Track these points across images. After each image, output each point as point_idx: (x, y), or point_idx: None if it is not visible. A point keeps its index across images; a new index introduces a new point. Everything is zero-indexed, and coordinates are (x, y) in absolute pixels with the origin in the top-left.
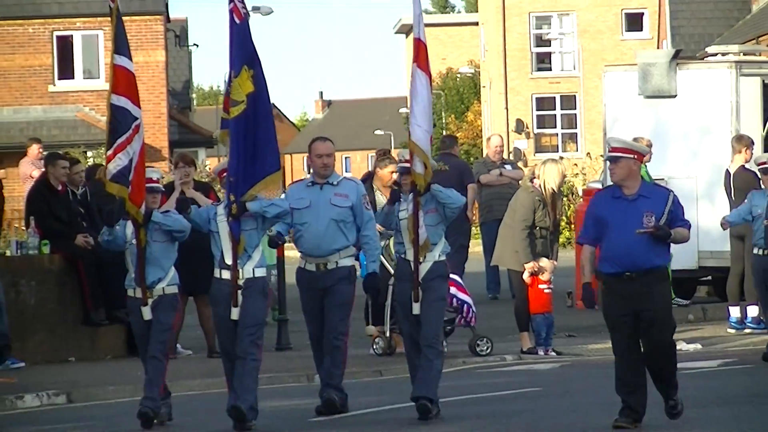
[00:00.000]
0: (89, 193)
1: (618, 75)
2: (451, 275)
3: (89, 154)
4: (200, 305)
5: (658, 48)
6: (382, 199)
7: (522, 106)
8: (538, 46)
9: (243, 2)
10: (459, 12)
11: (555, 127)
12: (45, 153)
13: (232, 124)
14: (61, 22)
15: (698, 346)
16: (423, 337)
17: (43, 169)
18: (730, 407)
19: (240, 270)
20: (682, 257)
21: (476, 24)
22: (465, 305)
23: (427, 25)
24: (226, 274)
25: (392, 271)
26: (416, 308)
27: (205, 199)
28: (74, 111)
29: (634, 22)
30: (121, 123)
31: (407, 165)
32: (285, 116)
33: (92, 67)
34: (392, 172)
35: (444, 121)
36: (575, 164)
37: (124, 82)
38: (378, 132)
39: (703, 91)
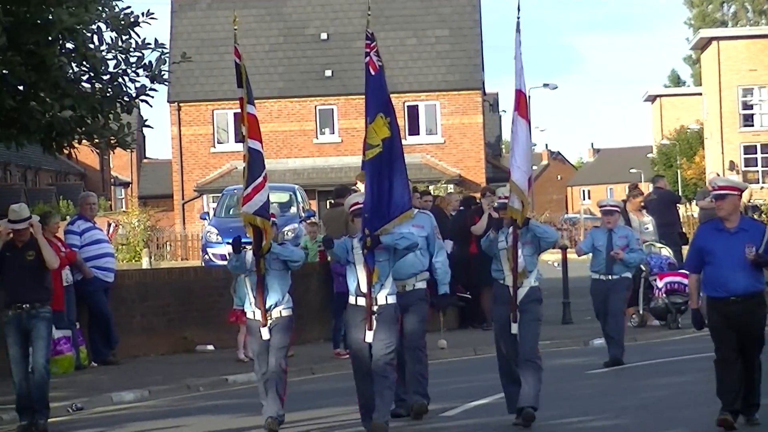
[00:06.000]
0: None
1: None
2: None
3: (430, 188)
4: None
5: None
6: (634, 218)
7: (733, 151)
8: (744, 109)
9: (378, 55)
10: (689, 86)
11: (756, 165)
12: None
13: (367, 165)
14: (410, 95)
15: None
16: (522, 353)
17: None
18: None
19: (374, 297)
20: None
21: (700, 94)
22: None
23: (666, 95)
24: (361, 301)
25: (644, 269)
26: (514, 328)
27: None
28: (420, 158)
29: None
30: (256, 162)
31: (505, 201)
32: (567, 160)
33: (432, 127)
34: (640, 201)
35: (678, 161)
36: None
37: (255, 127)
38: (632, 170)
39: None
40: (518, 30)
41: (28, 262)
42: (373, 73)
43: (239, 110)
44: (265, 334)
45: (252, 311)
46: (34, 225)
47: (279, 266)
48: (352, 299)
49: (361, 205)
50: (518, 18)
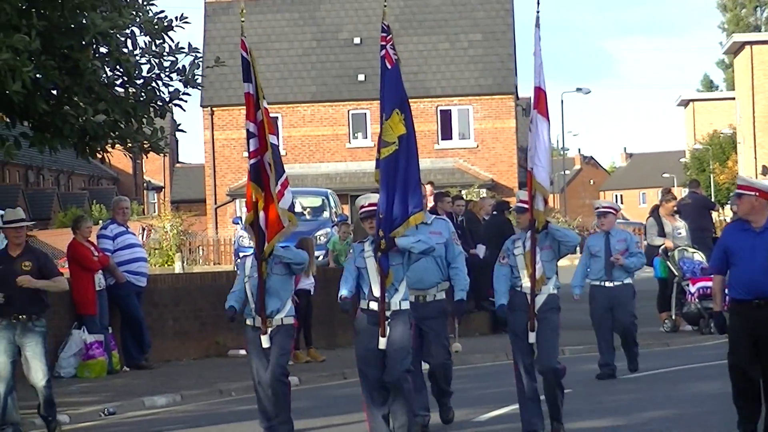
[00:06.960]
0: (465, 220)
1: None
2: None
3: (463, 192)
4: None
5: None
6: (667, 222)
7: (766, 155)
8: None
9: (394, 49)
10: (722, 90)
11: None
12: (435, 192)
13: (382, 164)
14: (443, 100)
15: None
16: (541, 363)
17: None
18: None
19: (387, 302)
20: None
21: (733, 99)
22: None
23: (698, 100)
24: (373, 306)
25: (677, 273)
26: (532, 337)
27: None
28: (452, 162)
29: None
30: (279, 157)
31: (524, 205)
32: (599, 164)
33: (465, 131)
34: (673, 206)
35: (711, 166)
36: None
37: (270, 121)
38: (665, 175)
39: None
40: (537, 25)
41: (23, 273)
42: (389, 66)
43: (245, 107)
44: (265, 342)
45: (252, 318)
46: (27, 282)
47: (281, 270)
48: (363, 304)
49: (370, 208)
50: (537, 12)
